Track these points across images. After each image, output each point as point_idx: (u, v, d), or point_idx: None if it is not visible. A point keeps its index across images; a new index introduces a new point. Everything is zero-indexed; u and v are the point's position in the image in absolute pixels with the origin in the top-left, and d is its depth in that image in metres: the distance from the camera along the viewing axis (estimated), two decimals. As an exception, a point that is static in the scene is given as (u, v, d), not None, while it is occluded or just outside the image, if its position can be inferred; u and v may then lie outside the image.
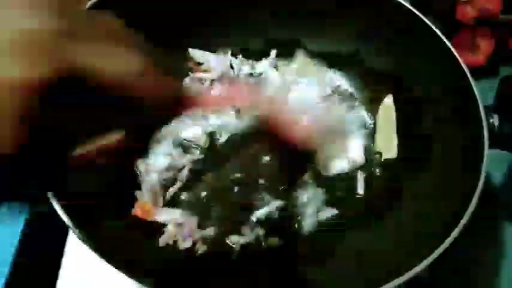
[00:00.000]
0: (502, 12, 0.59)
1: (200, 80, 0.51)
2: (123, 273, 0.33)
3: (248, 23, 0.53)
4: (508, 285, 0.47)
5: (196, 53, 0.52)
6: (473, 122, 0.40)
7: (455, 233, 0.34)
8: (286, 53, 0.54)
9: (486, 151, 0.38)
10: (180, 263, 0.42)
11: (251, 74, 0.52)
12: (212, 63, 0.52)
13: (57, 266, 0.45)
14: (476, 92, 0.41)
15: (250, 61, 0.53)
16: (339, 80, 0.53)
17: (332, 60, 0.54)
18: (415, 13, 0.48)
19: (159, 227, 0.43)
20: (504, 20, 0.60)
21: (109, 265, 0.33)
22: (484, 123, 0.39)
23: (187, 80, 0.50)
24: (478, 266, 0.48)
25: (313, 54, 0.54)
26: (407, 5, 0.48)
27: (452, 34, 0.61)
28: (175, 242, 0.42)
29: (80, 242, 0.34)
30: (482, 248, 0.49)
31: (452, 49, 0.44)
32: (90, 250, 0.34)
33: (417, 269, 0.33)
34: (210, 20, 0.51)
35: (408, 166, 0.46)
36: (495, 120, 0.41)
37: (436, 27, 0.61)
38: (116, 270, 0.33)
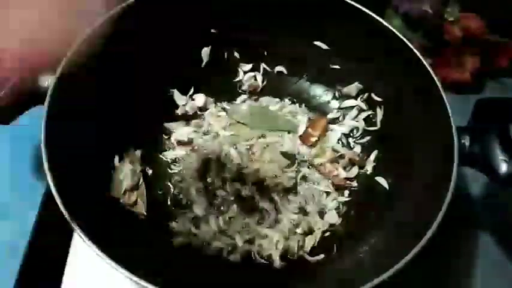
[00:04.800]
0: (486, 32, 0.63)
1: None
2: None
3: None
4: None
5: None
6: (445, 141, 0.43)
7: (416, 249, 0.38)
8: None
9: (455, 169, 0.41)
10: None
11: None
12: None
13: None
14: (449, 113, 0.44)
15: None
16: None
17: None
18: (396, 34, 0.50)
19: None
20: (489, 39, 0.63)
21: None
22: (455, 143, 0.43)
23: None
24: (449, 277, 0.51)
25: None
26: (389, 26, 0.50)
27: (440, 52, 0.65)
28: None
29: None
30: (454, 257, 0.52)
31: (430, 70, 0.47)
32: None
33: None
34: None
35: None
36: (466, 140, 0.44)
37: (424, 45, 0.65)
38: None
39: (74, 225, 0.37)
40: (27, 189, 0.53)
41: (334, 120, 0.58)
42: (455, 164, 0.42)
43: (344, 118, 0.57)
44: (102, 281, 0.48)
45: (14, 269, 0.48)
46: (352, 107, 0.57)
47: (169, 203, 0.51)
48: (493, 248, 0.53)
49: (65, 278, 0.48)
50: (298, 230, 0.50)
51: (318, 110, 0.58)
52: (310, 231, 0.50)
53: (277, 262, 0.47)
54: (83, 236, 0.37)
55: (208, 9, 0.54)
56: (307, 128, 0.56)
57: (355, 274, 0.43)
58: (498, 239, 0.53)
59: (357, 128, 0.56)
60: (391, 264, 0.37)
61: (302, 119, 0.57)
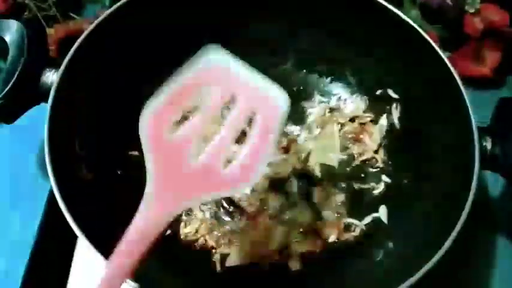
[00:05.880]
0: (510, 25, 0.60)
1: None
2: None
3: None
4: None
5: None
6: (466, 144, 0.41)
7: (440, 253, 0.36)
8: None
9: (476, 172, 0.39)
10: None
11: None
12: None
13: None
14: (471, 114, 0.42)
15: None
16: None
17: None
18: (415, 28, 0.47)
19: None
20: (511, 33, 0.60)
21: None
22: (477, 145, 0.40)
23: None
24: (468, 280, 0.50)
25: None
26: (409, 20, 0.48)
27: (460, 45, 0.62)
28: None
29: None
30: (473, 262, 0.51)
31: (451, 67, 0.44)
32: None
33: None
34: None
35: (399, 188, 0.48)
36: (488, 143, 0.42)
37: (442, 38, 0.62)
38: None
39: (78, 231, 0.36)
40: (30, 192, 0.52)
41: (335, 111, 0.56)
42: (476, 170, 0.39)
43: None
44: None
45: (18, 275, 0.47)
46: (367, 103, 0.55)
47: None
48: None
49: (69, 285, 0.48)
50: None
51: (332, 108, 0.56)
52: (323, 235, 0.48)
53: (293, 264, 0.46)
54: (87, 242, 0.36)
55: (208, 6, 0.52)
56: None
57: (377, 278, 0.42)
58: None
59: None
60: (410, 274, 0.36)
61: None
